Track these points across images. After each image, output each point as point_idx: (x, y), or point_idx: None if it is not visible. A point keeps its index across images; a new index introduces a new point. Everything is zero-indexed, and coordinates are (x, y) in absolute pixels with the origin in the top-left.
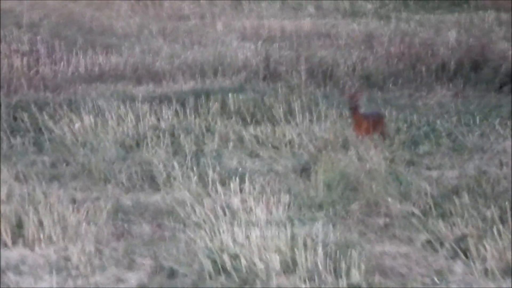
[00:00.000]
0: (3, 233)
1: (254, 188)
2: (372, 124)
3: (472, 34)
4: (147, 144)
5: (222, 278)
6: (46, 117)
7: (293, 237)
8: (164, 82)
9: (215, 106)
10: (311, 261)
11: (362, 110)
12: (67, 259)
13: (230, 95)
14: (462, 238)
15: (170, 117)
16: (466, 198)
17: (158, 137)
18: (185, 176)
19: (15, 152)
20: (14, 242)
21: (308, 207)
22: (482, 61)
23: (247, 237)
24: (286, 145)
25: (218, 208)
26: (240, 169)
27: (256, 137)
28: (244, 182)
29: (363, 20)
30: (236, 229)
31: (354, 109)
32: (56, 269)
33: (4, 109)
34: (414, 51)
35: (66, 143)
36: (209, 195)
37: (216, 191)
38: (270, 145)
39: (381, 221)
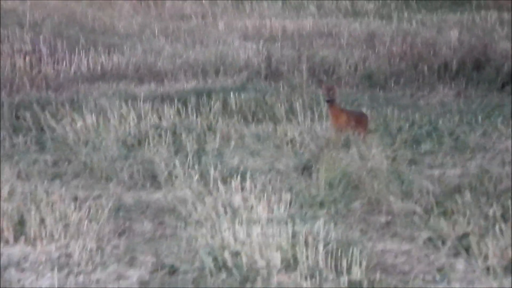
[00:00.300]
0: (5, 231)
1: (255, 186)
2: (353, 121)
3: (474, 33)
4: (149, 142)
5: (223, 275)
6: (48, 116)
7: (294, 235)
8: (166, 81)
9: (216, 105)
10: (312, 259)
11: (340, 104)
12: (68, 256)
13: (231, 94)
14: (464, 236)
15: (171, 116)
16: (468, 196)
17: (160, 135)
18: (186, 174)
19: (17, 151)
20: (16, 239)
21: (310, 205)
22: (484, 61)
23: (248, 234)
24: (287, 144)
25: (220, 206)
26: (242, 167)
27: (257, 135)
28: (246, 181)
29: (365, 19)
30: (237, 226)
31: (331, 102)
32: (58, 266)
33: (7, 108)
34: (416, 51)
35: (68, 142)
36: (210, 193)
37: (218, 189)
38: (271, 143)
39: (382, 219)
